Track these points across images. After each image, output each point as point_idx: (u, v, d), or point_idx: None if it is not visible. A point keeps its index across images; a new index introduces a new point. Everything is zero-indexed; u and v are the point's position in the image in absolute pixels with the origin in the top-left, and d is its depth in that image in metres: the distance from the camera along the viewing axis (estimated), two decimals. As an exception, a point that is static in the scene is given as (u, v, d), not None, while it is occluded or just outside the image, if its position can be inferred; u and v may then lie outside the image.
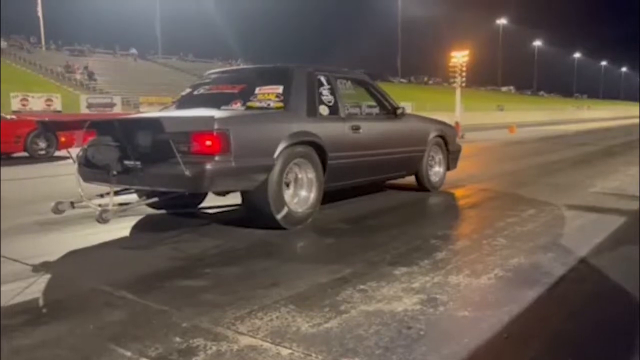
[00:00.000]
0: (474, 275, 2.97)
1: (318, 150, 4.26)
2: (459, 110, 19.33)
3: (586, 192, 5.81)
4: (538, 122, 37.54)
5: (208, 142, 3.53)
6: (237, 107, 4.25)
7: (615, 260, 3.29)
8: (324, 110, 4.47)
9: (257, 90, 4.32)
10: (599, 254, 3.39)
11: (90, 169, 3.85)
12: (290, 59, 51.83)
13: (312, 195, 4.23)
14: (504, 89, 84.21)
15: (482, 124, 34.17)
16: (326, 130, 4.37)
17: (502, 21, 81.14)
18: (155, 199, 4.06)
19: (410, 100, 44.64)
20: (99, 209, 3.52)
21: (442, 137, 5.92)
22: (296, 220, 4.06)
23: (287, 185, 4.11)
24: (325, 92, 4.55)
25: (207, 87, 4.74)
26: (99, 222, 3.47)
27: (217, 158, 3.53)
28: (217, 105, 4.28)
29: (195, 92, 4.75)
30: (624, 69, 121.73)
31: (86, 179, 3.96)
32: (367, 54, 73.41)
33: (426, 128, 5.77)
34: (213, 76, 4.95)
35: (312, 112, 4.35)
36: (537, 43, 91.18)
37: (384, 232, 4.06)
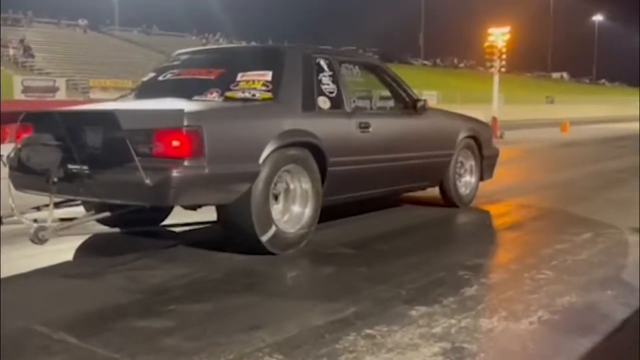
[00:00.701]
0: (512, 318, 2.98)
1: (316, 153, 4.26)
2: (496, 102, 19.43)
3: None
4: (598, 119, 37.65)
5: (175, 143, 3.52)
6: (213, 97, 4.25)
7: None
8: (324, 102, 4.49)
9: (239, 77, 4.31)
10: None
11: (24, 174, 3.81)
12: (287, 36, 52.07)
13: (307, 211, 4.24)
14: (554, 75, 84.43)
15: (527, 119, 34.28)
16: (326, 128, 4.41)
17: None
18: (106, 214, 4.05)
19: (435, 88, 44.79)
20: (35, 225, 3.50)
21: (474, 138, 5.98)
22: (286, 243, 4.08)
23: (276, 198, 4.12)
24: (326, 79, 4.56)
25: (175, 71, 4.75)
26: (34, 242, 3.45)
27: (186, 163, 3.52)
28: (188, 95, 4.28)
29: (161, 78, 4.76)
30: None
31: (19, 186, 3.97)
32: (382, 29, 73.72)
33: (454, 126, 5.82)
34: (183, 57, 4.96)
35: (309, 105, 4.37)
36: (598, 18, 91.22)
37: (398, 260, 4.07)
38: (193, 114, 3.63)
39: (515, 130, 20.61)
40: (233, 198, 3.79)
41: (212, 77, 4.41)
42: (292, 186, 4.21)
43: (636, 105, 46.60)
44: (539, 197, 6.96)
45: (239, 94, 4.22)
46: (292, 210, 4.22)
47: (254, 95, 4.19)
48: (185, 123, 3.50)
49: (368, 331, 2.78)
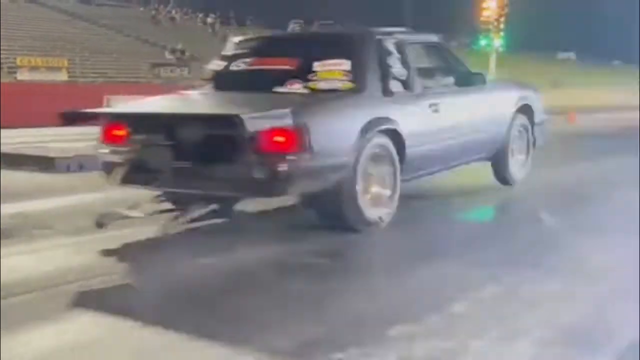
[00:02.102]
0: (507, 337, 2.99)
1: (395, 138, 5.05)
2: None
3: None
4: (612, 106, 38.06)
5: (281, 139, 4.30)
6: (296, 88, 5.03)
7: None
8: (396, 86, 5.23)
9: (316, 66, 5.05)
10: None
11: (134, 170, 4.57)
12: (249, 5, 51.87)
13: (388, 193, 5.09)
14: (561, 55, 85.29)
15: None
16: (403, 112, 5.21)
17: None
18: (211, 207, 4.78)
19: (424, 69, 44.95)
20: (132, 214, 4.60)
21: (527, 105, 6.88)
22: (370, 222, 4.90)
23: (362, 182, 4.83)
24: (395, 62, 5.27)
25: (247, 60, 5.47)
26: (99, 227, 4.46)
27: (293, 157, 4.31)
28: (268, 86, 5.07)
29: (234, 67, 5.50)
30: None
31: (125, 181, 4.70)
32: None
33: (510, 96, 6.75)
34: (250, 44, 5.76)
35: (387, 91, 5.16)
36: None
37: (380, 270, 4.20)
38: (298, 114, 4.30)
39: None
40: (330, 185, 4.60)
41: (290, 67, 5.17)
42: (375, 171, 4.95)
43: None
44: (539, 196, 7.03)
45: (321, 85, 4.98)
46: (375, 192, 4.99)
47: (336, 85, 4.96)
48: (291, 121, 4.20)
49: (339, 356, 2.76)
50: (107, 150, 4.92)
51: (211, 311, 3.38)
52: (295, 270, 4.11)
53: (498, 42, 19.19)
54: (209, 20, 42.52)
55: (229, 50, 5.74)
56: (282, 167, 4.25)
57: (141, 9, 46.82)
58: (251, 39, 5.94)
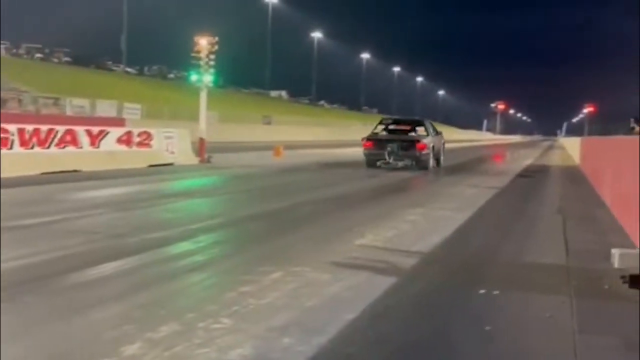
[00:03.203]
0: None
1: (434, 148, 21.25)
2: (204, 121, 19.59)
3: (351, 246, 6.44)
4: (318, 142, 40.84)
5: (422, 145, 20.13)
6: (414, 134, 21.58)
7: (366, 345, 3.64)
8: (432, 134, 21.71)
9: (417, 129, 22.08)
10: (349, 337, 3.74)
11: (389, 157, 19.93)
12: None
13: (434, 162, 21.20)
14: (273, 93, 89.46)
15: (241, 141, 35.74)
16: (434, 141, 21.48)
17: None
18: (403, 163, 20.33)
19: (140, 100, 44.46)
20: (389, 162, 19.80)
21: (444, 141, 24.13)
22: (431, 169, 20.57)
23: (431, 158, 21.09)
24: (431, 127, 22.19)
25: (392, 126, 21.90)
26: (369, 166, 19.98)
27: (425, 150, 20.12)
28: (405, 134, 21.42)
29: (390, 127, 21.77)
30: (421, 79, 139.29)
31: (372, 159, 20.23)
32: (75, 26, 71.00)
33: (441, 138, 23.31)
34: (390, 121, 22.81)
35: (432, 135, 21.56)
36: (317, 34, 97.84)
37: (45, 310, 3.92)
38: (425, 139, 20.57)
39: (226, 154, 21.33)
40: (427, 158, 20.35)
41: (409, 128, 22.08)
42: (432, 154, 20.76)
43: (356, 129, 51.65)
44: (233, 232, 7.28)
45: (422, 134, 21.37)
46: (432, 161, 20.80)
47: (424, 134, 21.51)
48: (424, 141, 20.33)
49: None
50: (365, 151, 19.94)
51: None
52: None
53: (208, 78, 19.36)
54: None
55: (382, 122, 22.11)
56: (423, 152, 19.67)
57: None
58: (389, 119, 23.39)
